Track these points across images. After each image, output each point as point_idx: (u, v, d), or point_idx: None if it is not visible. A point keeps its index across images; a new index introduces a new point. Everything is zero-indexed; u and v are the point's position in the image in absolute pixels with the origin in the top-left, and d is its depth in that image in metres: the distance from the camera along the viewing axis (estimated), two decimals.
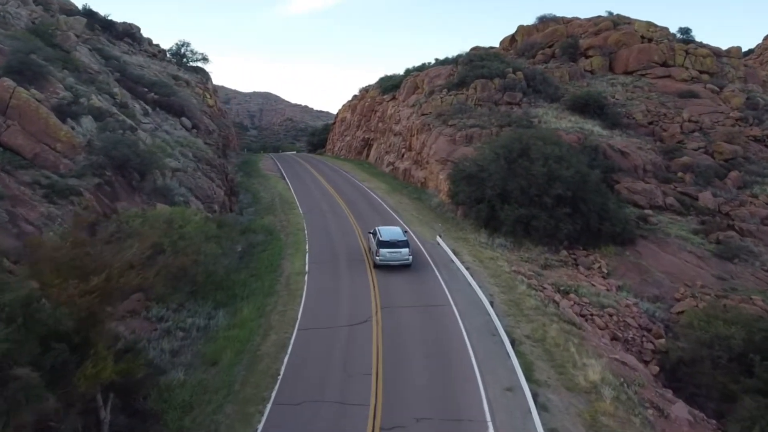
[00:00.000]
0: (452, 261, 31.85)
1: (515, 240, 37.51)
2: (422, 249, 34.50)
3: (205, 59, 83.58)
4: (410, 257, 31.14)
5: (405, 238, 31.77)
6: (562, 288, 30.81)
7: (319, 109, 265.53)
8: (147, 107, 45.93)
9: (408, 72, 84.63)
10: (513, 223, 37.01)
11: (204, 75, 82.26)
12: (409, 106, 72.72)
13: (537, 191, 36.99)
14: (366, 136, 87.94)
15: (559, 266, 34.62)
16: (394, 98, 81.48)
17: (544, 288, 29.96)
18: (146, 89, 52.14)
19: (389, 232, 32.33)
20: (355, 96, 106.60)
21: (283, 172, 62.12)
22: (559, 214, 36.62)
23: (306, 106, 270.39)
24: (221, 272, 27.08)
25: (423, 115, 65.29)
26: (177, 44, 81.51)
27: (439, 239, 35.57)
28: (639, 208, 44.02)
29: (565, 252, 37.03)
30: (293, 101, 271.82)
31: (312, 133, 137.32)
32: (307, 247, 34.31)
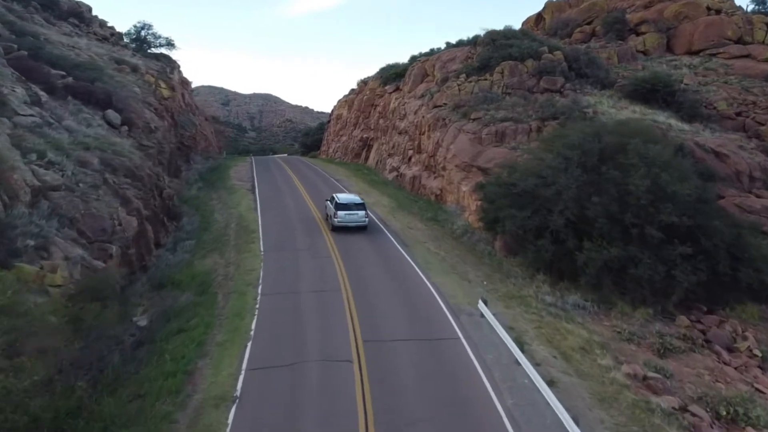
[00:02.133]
0: (517, 363, 17.45)
1: (600, 297, 23.25)
2: (458, 332, 19.89)
3: (170, 44, 69.55)
4: (366, 219, 33.53)
5: (362, 202, 34.62)
6: (718, 406, 16.51)
7: (320, 110, 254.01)
8: (42, 94, 31.77)
9: (414, 59, 70.29)
10: (598, 270, 22.70)
11: (168, 62, 68.12)
12: (417, 98, 58.52)
13: (636, 218, 22.79)
14: (365, 136, 73.77)
15: (684, 349, 20.35)
16: (397, 89, 67.29)
17: (695, 416, 15.66)
18: (63, 73, 38.08)
19: (346, 197, 35.63)
20: (352, 90, 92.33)
21: (255, 181, 48.01)
22: (672, 254, 22.36)
23: (306, 107, 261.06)
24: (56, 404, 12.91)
25: (436, 107, 51.13)
26: (135, 27, 67.57)
27: (482, 306, 21.09)
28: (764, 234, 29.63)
29: (683, 318, 22.73)
30: (294, 102, 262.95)
31: (306, 133, 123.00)
32: (252, 328, 19.33)
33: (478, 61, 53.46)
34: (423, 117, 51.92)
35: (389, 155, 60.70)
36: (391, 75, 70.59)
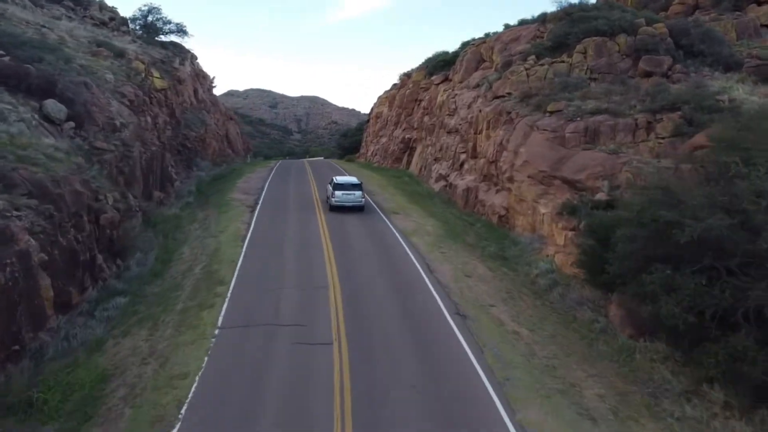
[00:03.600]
0: None
1: None
2: None
3: (181, 31, 59.91)
4: (362, 200, 34.23)
5: (359, 183, 36.05)
6: None
7: (366, 111, 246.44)
8: None
9: (466, 45, 58.32)
10: None
11: (178, 51, 58.48)
12: (471, 88, 46.88)
13: None
14: (407, 137, 62.45)
15: None
16: (446, 80, 55.77)
17: None
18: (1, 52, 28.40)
19: (344, 178, 38.12)
20: (394, 85, 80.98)
21: (262, 195, 37.33)
22: None
23: (353, 110, 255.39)
24: None
25: (496, 98, 39.44)
26: (141, 10, 58.22)
27: None
28: None
29: None
30: (340, 104, 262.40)
31: (344, 134, 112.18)
32: None
33: (551, 39, 41.40)
34: (479, 111, 40.26)
35: (435, 160, 49.19)
36: (439, 63, 59.06)
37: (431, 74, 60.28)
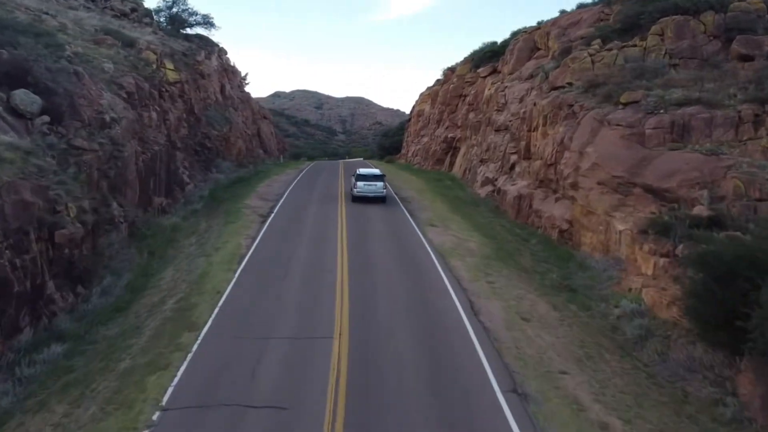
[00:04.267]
0: None
1: None
2: None
3: (208, 23, 55.86)
4: (384, 191, 34.50)
5: (380, 174, 36.81)
6: None
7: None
8: None
9: (516, 34, 52.14)
10: None
11: (204, 44, 54.46)
12: (523, 80, 41.07)
13: None
14: (450, 135, 56.81)
15: None
16: (494, 71, 49.96)
17: None
18: None
19: (367, 170, 38.97)
20: (437, 80, 75.29)
21: (280, 203, 32.44)
22: None
23: (398, 110, 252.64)
24: None
25: (555, 89, 33.60)
26: (166, 1, 54.40)
27: None
28: None
29: None
30: (385, 105, 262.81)
31: (384, 134, 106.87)
32: None
33: (621, 21, 35.27)
34: (534, 105, 34.45)
35: (481, 162, 43.48)
36: (486, 54, 53.22)
37: (477, 66, 54.51)
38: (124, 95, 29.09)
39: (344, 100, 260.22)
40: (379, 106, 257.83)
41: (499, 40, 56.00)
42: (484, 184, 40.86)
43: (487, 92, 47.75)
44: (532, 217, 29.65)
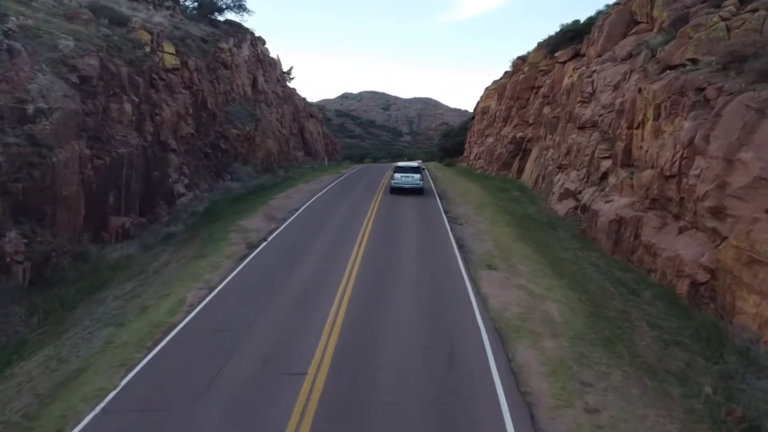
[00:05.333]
0: None
1: None
2: None
3: (240, 7, 48.90)
4: (421, 182, 35.04)
5: (417, 166, 37.36)
6: None
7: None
8: None
9: (602, 13, 41.91)
10: None
11: (234, 30, 47.44)
12: (619, 61, 31.46)
13: None
14: (519, 135, 47.29)
15: None
16: (576, 56, 40.25)
17: None
18: None
19: (406, 163, 39.96)
20: (506, 73, 65.55)
21: (283, 226, 24.02)
22: None
23: (465, 111, 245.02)
24: None
25: (669, 69, 23.98)
26: None
27: None
28: None
29: None
30: (453, 106, 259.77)
31: (445, 135, 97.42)
32: None
33: None
34: (639, 92, 24.85)
35: (560, 168, 34.01)
36: (566, 35, 43.38)
37: (554, 51, 44.72)
38: (75, 79, 21.72)
39: (412, 100, 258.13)
40: (447, 106, 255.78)
41: (582, 18, 46.03)
42: (563, 197, 31.43)
43: (567, 81, 38.11)
44: (640, 253, 20.14)
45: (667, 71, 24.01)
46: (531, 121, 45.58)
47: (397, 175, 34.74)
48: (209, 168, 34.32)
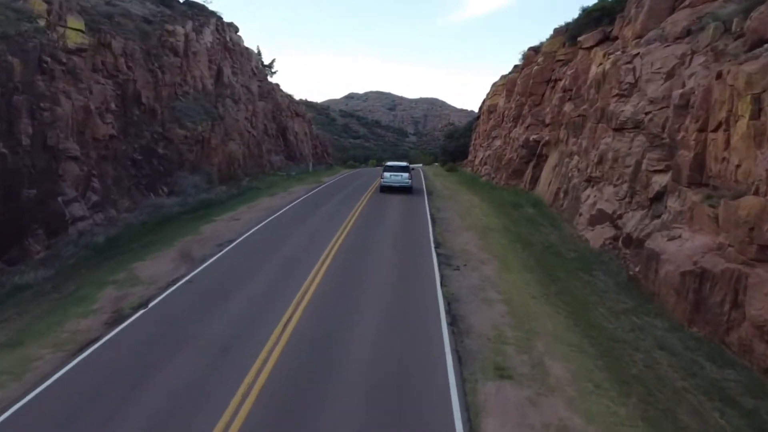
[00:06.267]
0: None
1: None
2: None
3: None
4: (410, 181, 35.82)
5: (406, 165, 38.12)
6: None
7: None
8: None
9: None
10: None
11: (195, 13, 39.90)
12: (672, 41, 23.65)
13: None
14: (533, 137, 39.49)
15: None
16: (605, 39, 32.49)
17: None
18: None
19: (395, 162, 40.43)
20: (515, 67, 57.61)
21: (197, 270, 16.53)
22: None
23: (472, 111, 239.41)
24: None
25: (760, 44, 15.98)
26: None
27: None
28: None
29: None
30: (459, 106, 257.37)
31: (449, 135, 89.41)
32: None
33: None
34: (720, 77, 17.01)
35: (589, 181, 26.29)
36: (592, 15, 35.55)
37: (575, 37, 36.92)
38: None
39: (418, 101, 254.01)
40: (453, 107, 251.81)
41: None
42: (595, 221, 23.71)
43: (595, 70, 30.35)
44: (745, 334, 12.39)
45: (755, 48, 16.32)
46: (547, 120, 37.81)
47: (387, 174, 35.66)
48: (138, 179, 26.75)
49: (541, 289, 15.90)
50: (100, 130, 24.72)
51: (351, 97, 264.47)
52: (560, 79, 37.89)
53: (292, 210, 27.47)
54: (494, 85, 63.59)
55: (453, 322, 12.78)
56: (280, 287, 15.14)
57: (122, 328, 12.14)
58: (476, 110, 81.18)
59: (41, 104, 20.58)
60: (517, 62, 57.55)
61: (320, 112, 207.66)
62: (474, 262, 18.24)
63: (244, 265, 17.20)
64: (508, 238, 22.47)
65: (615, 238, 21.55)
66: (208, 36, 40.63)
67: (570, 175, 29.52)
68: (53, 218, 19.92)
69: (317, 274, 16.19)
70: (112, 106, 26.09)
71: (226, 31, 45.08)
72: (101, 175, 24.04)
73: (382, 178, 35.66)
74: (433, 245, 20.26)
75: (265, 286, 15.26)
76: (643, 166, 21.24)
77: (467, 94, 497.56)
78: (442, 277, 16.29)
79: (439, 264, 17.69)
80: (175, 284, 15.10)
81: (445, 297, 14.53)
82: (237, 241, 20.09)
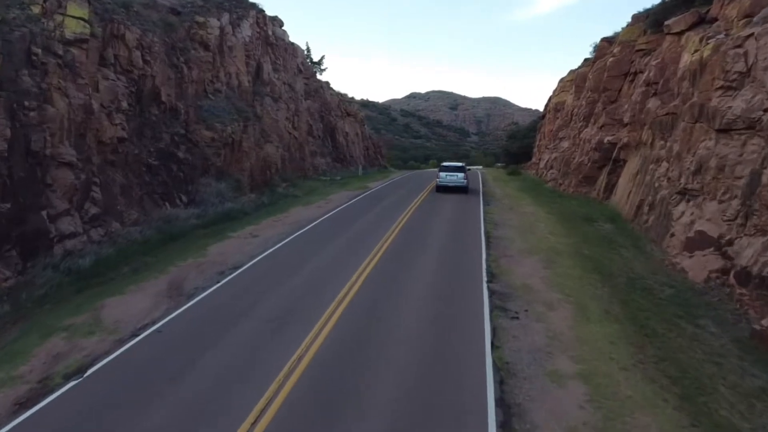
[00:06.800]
0: None
1: None
2: None
3: None
4: (465, 181, 36.56)
5: (462, 165, 38.17)
6: None
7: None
8: None
9: None
10: None
11: (234, 6, 36.92)
12: None
13: None
14: (607, 139, 34.39)
15: None
16: (701, 22, 27.15)
17: None
18: None
19: (451, 163, 39.59)
20: (585, 60, 52.05)
21: (182, 307, 13.14)
22: None
23: (536, 110, 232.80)
24: None
25: None
26: None
27: None
28: None
29: None
30: (523, 105, 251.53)
31: (511, 136, 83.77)
32: None
33: None
34: None
35: (683, 193, 21.30)
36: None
37: (659, 22, 31.59)
38: None
39: (480, 100, 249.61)
40: (517, 106, 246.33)
41: None
42: (694, 245, 18.83)
43: (689, 59, 25.15)
44: None
45: None
46: (626, 119, 32.61)
47: (443, 174, 36.75)
48: (152, 187, 23.70)
49: (633, 353, 11.44)
50: (107, 132, 21.77)
51: (413, 96, 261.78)
52: (641, 72, 32.64)
53: (322, 225, 23.69)
54: (561, 80, 58.12)
55: (506, 422, 8.59)
56: (272, 345, 11.30)
57: (30, 415, 8.63)
58: (541, 109, 75.53)
59: (26, 103, 17.64)
60: (588, 56, 52.10)
61: (381, 111, 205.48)
62: (538, 306, 13.91)
63: (237, 306, 13.48)
64: (582, 267, 17.91)
65: (724, 272, 16.70)
66: (246, 30, 37.58)
67: (657, 185, 24.48)
68: (32, 236, 16.91)
69: (324, 327, 12.23)
70: (124, 104, 23.13)
71: (268, 25, 41.99)
72: (105, 184, 21.05)
73: (438, 178, 36.67)
74: (485, 278, 15.95)
75: (255, 341, 11.48)
76: (764, 179, 16.30)
77: (532, 92, 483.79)
78: (494, 331, 12.06)
79: (492, 308, 13.43)
80: (138, 335, 11.59)
81: (496, 369, 10.29)
82: (243, 269, 16.50)
